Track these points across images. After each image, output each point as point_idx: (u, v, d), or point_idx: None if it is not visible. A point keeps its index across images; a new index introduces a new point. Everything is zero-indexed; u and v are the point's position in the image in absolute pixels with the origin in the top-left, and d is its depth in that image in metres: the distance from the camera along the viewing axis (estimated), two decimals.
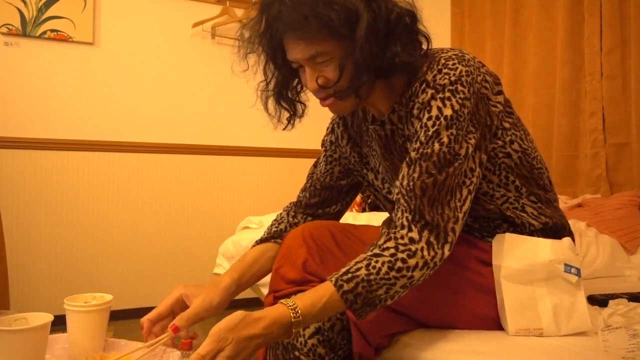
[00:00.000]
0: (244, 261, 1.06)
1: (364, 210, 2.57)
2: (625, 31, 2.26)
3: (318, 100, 0.95)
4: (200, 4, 2.79)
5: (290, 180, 2.98)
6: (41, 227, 2.47)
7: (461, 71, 0.86)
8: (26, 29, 2.42)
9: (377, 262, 0.79)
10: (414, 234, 0.81)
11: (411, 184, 0.83)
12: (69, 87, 2.53)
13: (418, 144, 0.85)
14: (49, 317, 0.87)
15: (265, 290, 1.08)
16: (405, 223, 0.82)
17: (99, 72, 2.59)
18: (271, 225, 1.15)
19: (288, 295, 0.89)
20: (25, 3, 2.41)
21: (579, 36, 2.42)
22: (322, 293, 0.78)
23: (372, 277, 0.78)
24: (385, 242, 0.81)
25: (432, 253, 0.80)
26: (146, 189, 2.68)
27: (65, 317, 0.95)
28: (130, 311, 2.52)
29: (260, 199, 2.92)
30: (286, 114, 1.00)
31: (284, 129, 1.01)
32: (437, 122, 0.84)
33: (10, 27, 2.39)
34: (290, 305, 0.75)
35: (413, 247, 0.80)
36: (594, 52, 2.34)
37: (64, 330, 0.97)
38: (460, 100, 0.85)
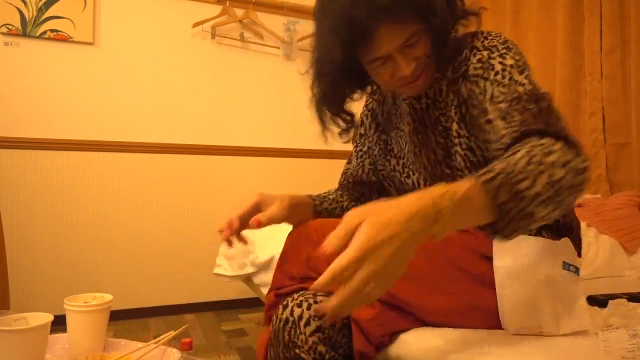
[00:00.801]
0: (325, 197, 1.15)
1: None
2: (625, 31, 2.26)
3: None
4: (200, 4, 2.79)
5: (290, 180, 2.97)
6: (41, 227, 2.47)
7: (506, 38, 0.91)
8: (26, 29, 2.42)
9: (513, 158, 0.70)
10: (548, 140, 0.74)
11: (518, 122, 0.79)
12: (69, 87, 2.53)
13: (501, 96, 0.85)
14: (49, 317, 0.87)
15: (265, 290, 1.08)
16: (534, 137, 0.76)
17: (99, 72, 2.59)
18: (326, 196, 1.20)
19: (290, 293, 0.89)
20: (25, 3, 2.41)
21: (579, 36, 2.43)
22: (457, 185, 0.65)
23: (509, 169, 0.67)
24: (517, 148, 0.73)
25: (569, 156, 0.72)
26: (146, 189, 2.68)
27: (65, 317, 0.96)
28: (130, 311, 2.53)
29: None
30: (338, 125, 1.04)
31: (345, 142, 1.06)
32: (507, 71, 0.86)
33: (10, 27, 2.39)
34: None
35: (550, 147, 0.72)
36: (594, 52, 2.34)
37: (64, 330, 0.97)
38: (515, 55, 0.88)
